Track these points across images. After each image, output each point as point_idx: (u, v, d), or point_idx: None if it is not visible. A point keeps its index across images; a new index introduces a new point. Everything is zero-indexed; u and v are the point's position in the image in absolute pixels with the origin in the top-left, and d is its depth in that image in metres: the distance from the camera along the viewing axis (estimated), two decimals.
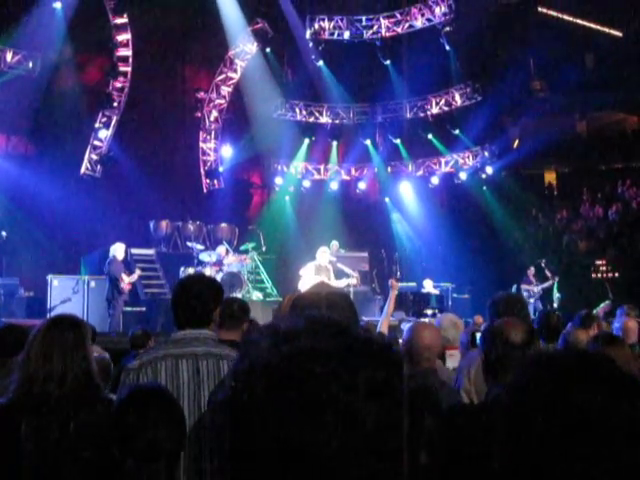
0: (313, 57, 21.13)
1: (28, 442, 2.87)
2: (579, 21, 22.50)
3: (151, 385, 2.96)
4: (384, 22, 20.96)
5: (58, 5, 17.39)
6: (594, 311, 11.02)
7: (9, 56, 17.19)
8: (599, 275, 19.86)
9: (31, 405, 2.96)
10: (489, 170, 21.97)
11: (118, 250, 13.56)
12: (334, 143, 23.11)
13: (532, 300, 16.80)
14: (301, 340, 0.92)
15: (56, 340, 3.07)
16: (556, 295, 17.37)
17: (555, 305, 17.10)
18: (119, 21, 18.64)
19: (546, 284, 17.21)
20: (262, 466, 0.89)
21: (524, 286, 17.08)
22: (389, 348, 0.96)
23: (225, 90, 21.72)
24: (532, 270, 17.39)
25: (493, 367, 2.98)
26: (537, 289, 17.13)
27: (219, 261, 15.88)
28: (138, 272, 14.14)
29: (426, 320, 14.01)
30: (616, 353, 4.47)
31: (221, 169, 21.67)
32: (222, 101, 21.78)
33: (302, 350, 0.91)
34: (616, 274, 19.60)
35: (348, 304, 2.27)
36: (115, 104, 18.94)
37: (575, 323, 7.16)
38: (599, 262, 20.25)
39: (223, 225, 19.40)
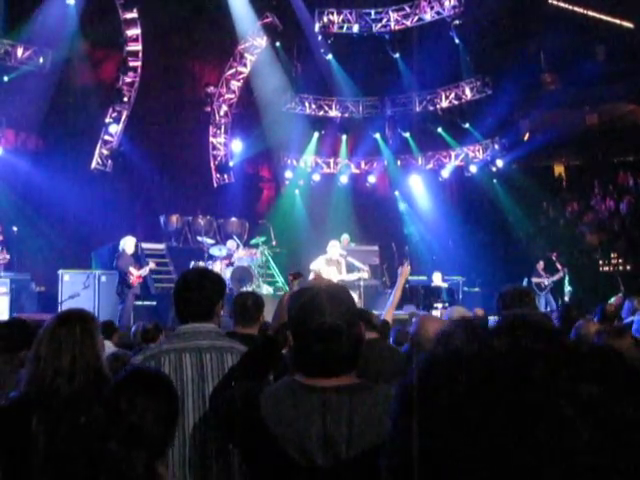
0: (322, 51, 21.11)
1: (39, 436, 2.90)
2: (590, 13, 22.37)
3: (153, 371, 2.93)
4: (393, 15, 20.91)
5: (71, 1, 17.45)
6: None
7: (20, 52, 17.25)
8: (610, 268, 19.79)
9: (42, 400, 2.98)
10: (499, 163, 21.93)
11: (128, 244, 13.61)
12: (344, 137, 23.12)
13: (543, 293, 16.79)
14: (504, 338, 0.84)
15: (64, 336, 3.09)
16: (567, 288, 17.33)
17: (566, 298, 17.08)
18: (129, 16, 18.67)
19: (556, 276, 17.17)
20: (449, 468, 0.81)
21: (535, 279, 17.05)
22: (614, 359, 0.85)
23: (235, 85, 21.73)
24: (541, 264, 17.35)
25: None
26: (547, 282, 17.09)
27: (229, 255, 15.93)
28: (152, 265, 14.21)
29: (437, 313, 14.06)
30: (620, 345, 4.47)
31: (231, 163, 21.70)
32: (232, 96, 21.79)
33: (515, 349, 0.82)
34: (627, 267, 19.53)
35: (348, 297, 2.27)
36: (125, 99, 18.98)
37: (596, 316, 7.13)
38: (610, 255, 20.18)
39: (233, 219, 19.43)
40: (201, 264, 15.17)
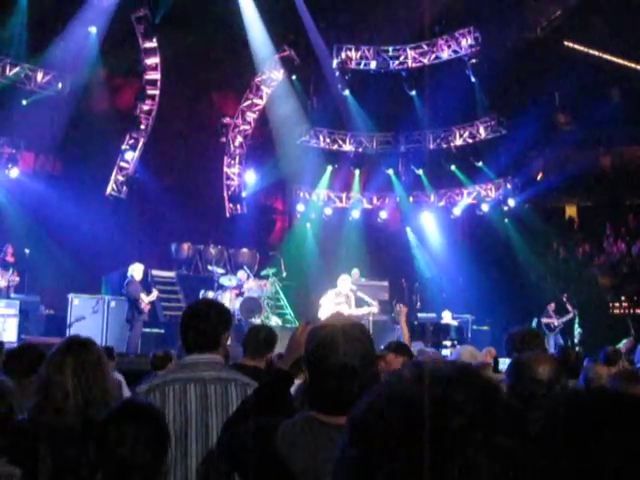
0: (339, 86, 21.26)
1: (46, 460, 2.89)
2: (605, 56, 22.49)
3: (144, 404, 2.93)
4: (410, 53, 21.06)
5: (93, 30, 17.72)
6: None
7: (39, 76, 17.49)
8: (621, 311, 19.67)
9: (50, 424, 2.98)
10: (511, 202, 21.91)
11: (136, 270, 13.65)
12: (357, 171, 23.17)
13: (552, 334, 16.70)
14: (444, 387, 0.94)
15: (75, 363, 3.11)
16: (577, 330, 17.24)
17: (576, 340, 16.98)
18: (148, 45, 18.92)
19: (566, 317, 17.09)
20: None
21: (544, 320, 16.97)
22: (524, 419, 0.96)
23: (250, 116, 21.90)
24: (552, 305, 17.30)
25: (518, 401, 2.97)
26: (557, 322, 17.01)
27: (239, 285, 15.95)
28: (155, 292, 14.21)
29: (446, 352, 13.98)
30: (637, 391, 4.42)
31: (244, 194, 21.79)
32: (247, 127, 21.96)
33: (445, 399, 0.92)
34: (638, 310, 19.41)
35: (366, 336, 2.27)
36: (142, 126, 19.18)
37: (600, 359, 7.10)
38: (621, 298, 20.07)
39: (244, 250, 19.46)
40: (210, 294, 15.21)
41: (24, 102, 17.38)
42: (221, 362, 3.45)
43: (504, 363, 6.79)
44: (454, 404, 0.91)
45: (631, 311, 19.39)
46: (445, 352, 14.21)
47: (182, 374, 3.32)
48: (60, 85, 17.66)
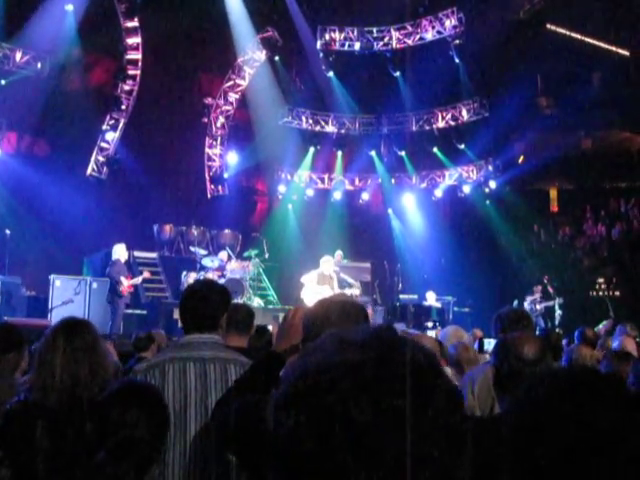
0: (323, 67, 21.17)
1: (43, 439, 2.91)
2: (587, 39, 22.57)
3: (144, 384, 2.97)
4: (395, 34, 21.00)
5: (70, 8, 17.50)
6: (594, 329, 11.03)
7: (18, 56, 17.22)
8: (600, 293, 19.86)
9: (40, 403, 3.01)
10: (492, 184, 22.00)
11: (120, 251, 13.62)
12: (339, 153, 23.15)
13: (533, 316, 16.82)
14: (347, 352, 0.94)
15: (64, 342, 3.13)
16: (557, 312, 17.37)
17: (556, 322, 17.12)
18: (130, 24, 18.71)
19: (549, 303, 17.23)
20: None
21: (529, 298, 17.10)
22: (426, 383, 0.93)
23: (232, 97, 21.78)
24: (539, 288, 17.39)
25: (504, 381, 3.00)
26: (540, 307, 17.14)
27: (221, 267, 15.91)
28: (146, 274, 14.18)
29: (432, 333, 14.05)
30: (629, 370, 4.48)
31: (226, 175, 21.71)
32: (229, 108, 21.83)
33: (339, 362, 0.92)
34: (617, 292, 19.60)
35: (363, 316, 2.29)
36: (123, 107, 19.00)
37: (577, 341, 7.17)
38: (600, 280, 20.25)
39: (226, 231, 19.42)
40: (193, 274, 15.17)
41: (3, 82, 17.16)
42: (220, 342, 3.45)
43: (489, 344, 6.86)
44: (346, 366, 0.92)
45: (610, 293, 19.59)
46: (430, 333, 14.28)
47: (181, 353, 3.32)
48: (39, 65, 17.41)
